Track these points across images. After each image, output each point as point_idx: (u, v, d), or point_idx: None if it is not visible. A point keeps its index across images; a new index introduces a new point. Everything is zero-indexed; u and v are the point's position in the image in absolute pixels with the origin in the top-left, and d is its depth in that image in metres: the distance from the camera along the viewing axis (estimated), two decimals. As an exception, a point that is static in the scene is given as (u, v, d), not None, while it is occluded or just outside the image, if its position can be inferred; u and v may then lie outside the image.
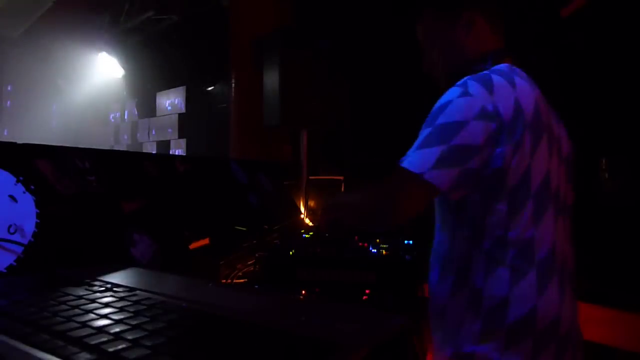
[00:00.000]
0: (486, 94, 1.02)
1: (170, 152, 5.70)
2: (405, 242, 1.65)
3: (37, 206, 1.03)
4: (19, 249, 0.97)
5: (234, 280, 1.56)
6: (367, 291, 1.41)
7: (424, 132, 1.01)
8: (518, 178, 1.02)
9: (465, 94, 1.01)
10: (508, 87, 1.05)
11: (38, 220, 1.02)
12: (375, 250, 1.53)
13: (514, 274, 1.02)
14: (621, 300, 1.87)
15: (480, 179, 1.01)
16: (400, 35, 2.97)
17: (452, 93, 1.04)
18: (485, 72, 1.10)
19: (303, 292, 1.42)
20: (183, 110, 5.58)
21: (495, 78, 1.06)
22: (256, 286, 1.49)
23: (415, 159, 0.98)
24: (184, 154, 5.45)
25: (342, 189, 3.01)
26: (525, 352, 1.00)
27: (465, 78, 1.07)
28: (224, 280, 1.54)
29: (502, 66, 1.16)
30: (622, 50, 2.09)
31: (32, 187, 1.03)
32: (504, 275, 1.02)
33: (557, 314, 1.03)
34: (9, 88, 8.68)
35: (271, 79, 2.93)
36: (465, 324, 1.05)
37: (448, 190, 0.99)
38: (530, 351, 1.00)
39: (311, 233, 1.86)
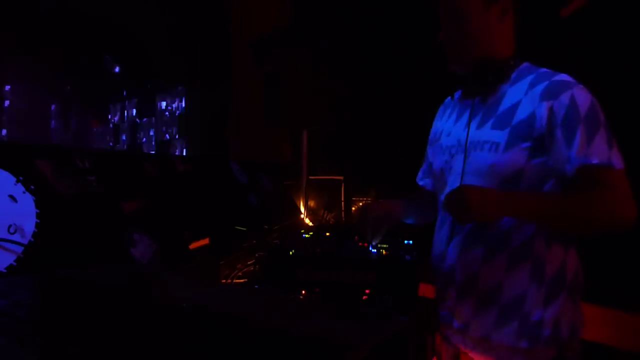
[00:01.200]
0: None
1: (170, 152, 5.70)
2: (405, 242, 1.65)
3: (37, 206, 1.03)
4: (19, 249, 0.97)
5: (234, 280, 1.56)
6: (367, 291, 1.41)
7: (601, 132, 1.09)
8: None
9: (589, 92, 1.12)
10: None
11: (38, 220, 1.02)
12: (375, 250, 1.53)
13: (567, 240, 1.17)
14: (621, 300, 1.87)
15: None
16: (401, 35, 2.97)
17: (585, 91, 1.12)
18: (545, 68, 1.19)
19: (303, 292, 1.42)
20: (183, 110, 5.59)
21: None
22: (256, 286, 1.49)
23: (616, 157, 1.08)
24: (184, 154, 5.45)
25: (342, 189, 3.01)
26: (576, 303, 1.16)
27: (565, 75, 1.14)
28: (224, 280, 1.54)
29: (530, 65, 1.23)
30: (622, 50, 2.09)
31: (32, 187, 1.03)
32: (562, 243, 1.16)
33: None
34: (7, 88, 8.68)
35: (271, 79, 2.94)
36: (529, 294, 1.13)
37: None
38: (578, 301, 1.17)
39: (311, 233, 1.86)
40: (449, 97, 1.38)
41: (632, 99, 2.01)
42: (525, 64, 1.23)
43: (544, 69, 1.19)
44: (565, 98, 1.11)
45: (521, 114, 1.16)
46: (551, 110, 1.12)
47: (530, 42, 1.35)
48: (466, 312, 1.20)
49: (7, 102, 8.66)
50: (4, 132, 8.53)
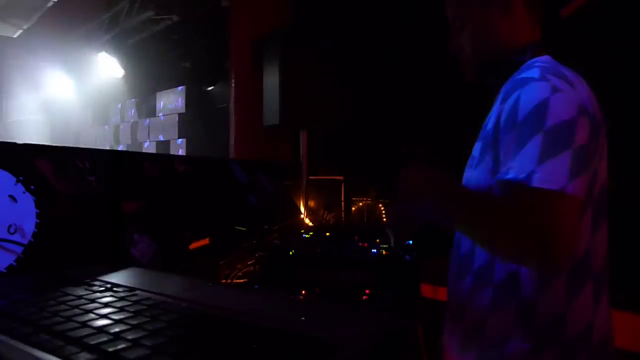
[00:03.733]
0: (571, 89, 0.92)
1: (170, 152, 5.70)
2: (405, 242, 1.64)
3: (37, 206, 1.03)
4: (19, 249, 0.97)
5: (234, 280, 1.56)
6: (367, 291, 1.41)
7: (535, 140, 0.85)
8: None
9: (556, 89, 0.90)
10: (579, 81, 0.97)
11: (38, 220, 1.02)
12: (375, 250, 1.53)
13: (572, 288, 0.95)
14: (621, 300, 1.87)
15: None
16: (401, 35, 2.97)
17: (541, 90, 0.90)
18: (551, 65, 1.00)
19: (303, 292, 1.42)
20: (183, 110, 5.58)
21: (566, 71, 0.97)
22: (256, 286, 1.49)
23: (546, 173, 0.82)
24: (184, 154, 5.45)
25: (342, 189, 3.01)
26: None
27: (537, 70, 0.96)
28: (224, 280, 1.54)
29: (547, 59, 1.06)
30: (622, 50, 2.09)
31: (32, 187, 1.03)
32: (562, 288, 0.95)
33: (610, 327, 1.00)
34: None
35: (271, 79, 2.93)
36: (512, 341, 0.96)
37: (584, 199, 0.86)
38: None
39: (311, 233, 1.86)
40: None
41: (632, 99, 2.01)
42: (540, 59, 1.06)
43: (551, 66, 1.00)
44: (512, 100, 0.93)
45: (489, 122, 1.03)
46: (499, 117, 0.96)
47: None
48: (454, 343, 1.12)
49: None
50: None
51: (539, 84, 0.92)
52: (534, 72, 0.96)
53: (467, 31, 1.14)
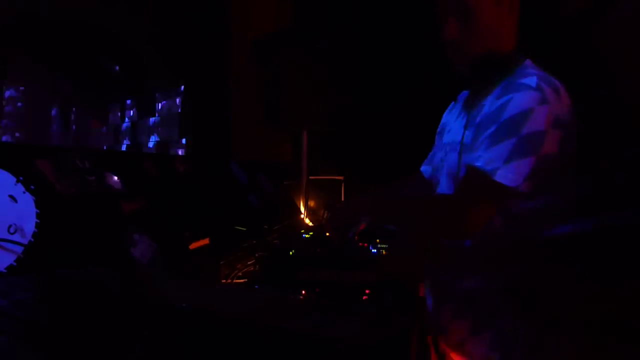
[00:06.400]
0: (557, 101, 1.04)
1: (170, 152, 5.70)
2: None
3: (37, 206, 1.03)
4: (19, 249, 0.97)
5: (234, 280, 1.56)
6: (367, 291, 1.41)
7: (509, 142, 1.00)
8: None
9: (544, 101, 1.02)
10: (565, 92, 1.10)
11: (38, 220, 1.02)
12: (375, 250, 1.53)
13: None
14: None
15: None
16: (401, 35, 2.97)
17: (531, 98, 1.03)
18: (544, 73, 1.11)
19: (303, 292, 1.42)
20: (182, 110, 5.58)
21: (557, 83, 1.10)
22: (256, 286, 1.49)
23: (510, 172, 0.98)
24: (184, 154, 5.45)
25: (342, 189, 3.01)
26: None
27: (536, 79, 1.06)
28: (224, 280, 1.54)
29: (531, 64, 1.16)
30: (622, 49, 2.09)
31: (32, 187, 1.03)
32: None
33: None
34: (6, 94, 8.67)
35: (271, 79, 2.93)
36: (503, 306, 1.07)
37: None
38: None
39: (311, 233, 1.86)
40: (463, 92, 1.30)
41: (631, 98, 2.01)
42: (527, 62, 1.15)
43: (546, 75, 1.09)
44: (504, 99, 1.05)
45: (479, 114, 1.11)
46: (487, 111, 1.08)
47: (530, 42, 1.34)
48: (444, 317, 1.16)
49: (8, 107, 8.65)
50: (7, 137, 8.53)
51: (531, 94, 1.03)
52: (532, 81, 1.06)
53: (475, 23, 1.15)
